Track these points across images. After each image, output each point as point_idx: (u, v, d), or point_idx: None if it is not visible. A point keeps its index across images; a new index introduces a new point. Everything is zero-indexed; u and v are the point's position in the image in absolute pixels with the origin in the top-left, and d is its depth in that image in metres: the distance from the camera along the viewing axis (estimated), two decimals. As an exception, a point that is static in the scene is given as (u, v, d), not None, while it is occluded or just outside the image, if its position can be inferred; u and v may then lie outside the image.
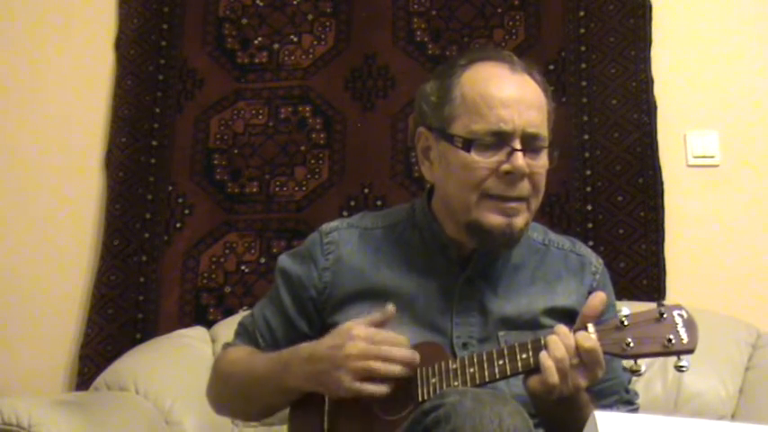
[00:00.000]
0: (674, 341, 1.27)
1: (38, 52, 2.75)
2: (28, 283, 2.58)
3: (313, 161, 2.56)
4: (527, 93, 1.45)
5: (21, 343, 2.55)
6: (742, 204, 2.38)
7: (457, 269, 1.50)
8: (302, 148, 2.57)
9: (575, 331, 1.30)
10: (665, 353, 1.28)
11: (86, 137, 2.66)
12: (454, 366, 1.34)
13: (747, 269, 2.34)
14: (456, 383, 1.33)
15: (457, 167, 1.43)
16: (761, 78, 2.46)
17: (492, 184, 1.41)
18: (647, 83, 2.45)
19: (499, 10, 2.58)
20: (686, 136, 2.44)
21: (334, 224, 1.59)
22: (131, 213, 2.56)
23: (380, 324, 1.37)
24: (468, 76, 1.46)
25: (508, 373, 1.32)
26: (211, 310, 2.48)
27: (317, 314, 1.54)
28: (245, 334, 1.61)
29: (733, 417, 2.01)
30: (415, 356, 1.35)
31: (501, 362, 1.32)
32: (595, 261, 1.58)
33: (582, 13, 2.53)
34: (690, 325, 1.28)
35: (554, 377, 1.27)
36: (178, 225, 2.55)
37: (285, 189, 2.54)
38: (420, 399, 1.34)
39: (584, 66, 2.50)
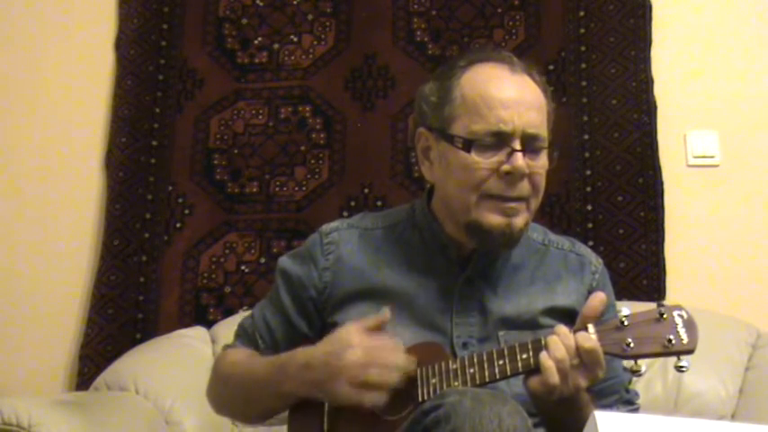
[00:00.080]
0: (674, 341, 1.27)
1: (38, 52, 2.75)
2: (28, 283, 2.58)
3: (313, 161, 2.56)
4: (527, 93, 1.45)
5: (21, 343, 2.55)
6: (742, 204, 2.38)
7: (457, 269, 1.50)
8: (302, 148, 2.57)
9: (575, 331, 1.30)
10: (666, 353, 1.28)
11: (86, 137, 2.67)
12: (454, 366, 1.35)
13: (747, 269, 2.34)
14: (456, 383, 1.33)
15: (457, 168, 1.44)
16: (761, 78, 2.46)
17: (492, 185, 1.41)
18: (647, 83, 2.45)
19: (499, 10, 2.58)
20: (686, 136, 2.44)
21: (334, 224, 1.59)
22: (131, 213, 2.56)
23: (376, 329, 1.37)
24: (467, 77, 1.46)
25: (508, 373, 1.32)
26: (211, 310, 2.48)
27: (317, 314, 1.54)
28: (244, 335, 1.61)
29: (733, 417, 2.01)
30: (411, 362, 1.35)
31: (501, 362, 1.32)
32: (595, 261, 1.59)
33: (582, 13, 2.53)
34: (690, 325, 1.29)
35: (554, 377, 1.27)
36: (178, 225, 2.55)
37: (285, 189, 2.55)
38: (420, 399, 1.34)
39: (584, 66, 2.50)
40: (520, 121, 1.41)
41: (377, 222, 1.59)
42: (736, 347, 2.10)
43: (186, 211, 2.56)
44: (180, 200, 2.57)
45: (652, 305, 1.32)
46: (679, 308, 1.31)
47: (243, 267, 2.50)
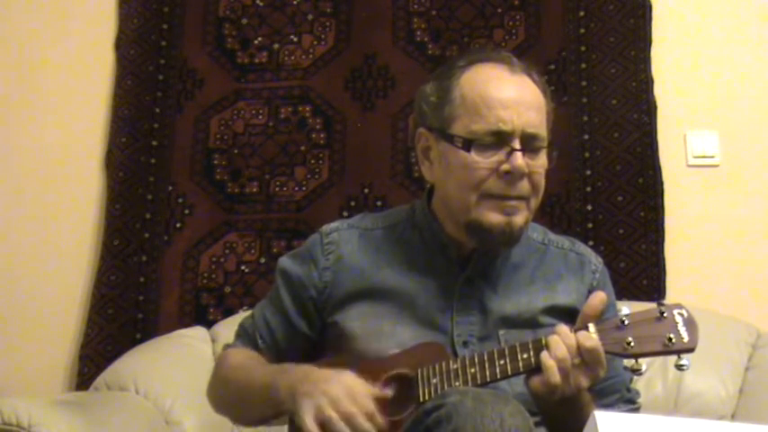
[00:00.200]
0: (674, 340, 1.27)
1: (38, 52, 2.75)
2: (28, 283, 2.58)
3: (313, 161, 2.56)
4: (526, 93, 1.45)
5: (21, 343, 2.55)
6: (742, 204, 2.38)
7: (457, 269, 1.50)
8: (302, 148, 2.57)
9: (576, 331, 1.31)
10: (666, 352, 1.28)
11: (86, 137, 2.66)
12: (455, 366, 1.35)
13: (747, 269, 2.34)
14: (457, 383, 1.33)
15: (457, 167, 1.44)
16: (761, 78, 2.46)
17: (492, 184, 1.42)
18: (647, 83, 2.45)
19: (499, 10, 2.58)
20: (686, 136, 2.44)
21: (334, 225, 1.59)
22: (131, 213, 2.56)
23: (377, 398, 1.32)
24: (467, 78, 1.47)
25: (509, 372, 1.32)
26: (211, 310, 2.48)
27: (317, 314, 1.54)
28: (245, 335, 1.61)
29: (733, 417, 2.01)
30: None
31: (502, 362, 1.32)
32: (595, 260, 1.59)
33: (582, 13, 2.53)
34: (690, 324, 1.29)
35: (556, 377, 1.27)
36: (178, 225, 2.55)
37: (285, 189, 2.55)
38: (421, 399, 1.34)
39: (584, 66, 2.50)
40: (519, 120, 1.41)
41: (377, 222, 1.59)
42: (736, 347, 2.10)
43: (186, 211, 2.56)
44: (180, 200, 2.57)
45: (652, 305, 1.32)
46: (679, 306, 1.31)
47: (243, 267, 2.50)
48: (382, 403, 1.32)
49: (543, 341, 1.30)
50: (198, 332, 2.32)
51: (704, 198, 2.40)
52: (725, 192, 2.40)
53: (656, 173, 2.39)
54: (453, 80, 1.47)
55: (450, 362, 1.36)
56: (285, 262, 1.60)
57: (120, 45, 2.70)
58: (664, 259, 2.34)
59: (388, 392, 1.36)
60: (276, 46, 2.66)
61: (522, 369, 1.31)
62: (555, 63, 2.51)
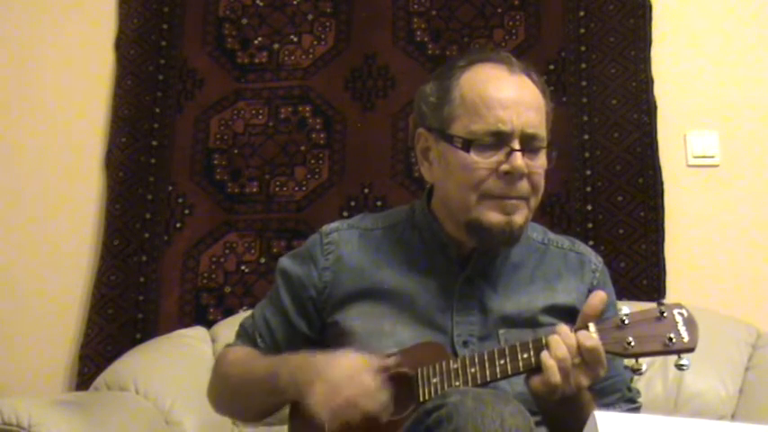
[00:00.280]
0: (674, 340, 1.27)
1: (38, 52, 2.75)
2: (28, 283, 2.58)
3: (313, 161, 2.56)
4: (525, 94, 1.45)
5: (21, 343, 2.55)
6: (742, 204, 2.38)
7: (457, 268, 1.50)
8: (302, 148, 2.57)
9: (576, 330, 1.31)
10: (666, 351, 1.28)
11: (86, 137, 2.66)
12: (455, 366, 1.35)
13: (747, 269, 2.34)
14: (457, 383, 1.33)
15: (456, 167, 1.44)
16: (761, 78, 2.46)
17: (491, 185, 1.42)
18: (647, 83, 2.45)
19: (499, 10, 2.58)
20: (686, 136, 2.44)
21: (334, 225, 1.59)
22: (131, 213, 2.56)
23: (384, 369, 1.34)
24: (467, 78, 1.47)
25: (509, 372, 1.32)
26: (211, 310, 2.48)
27: (317, 314, 1.54)
28: (245, 335, 1.62)
29: (733, 417, 2.01)
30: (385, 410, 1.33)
31: (502, 361, 1.32)
32: (595, 259, 1.59)
33: (582, 13, 2.53)
34: (690, 323, 1.29)
35: (556, 377, 1.27)
36: (178, 225, 2.55)
37: (285, 189, 2.55)
38: (421, 399, 1.34)
39: (584, 66, 2.50)
40: (518, 120, 1.41)
41: (377, 223, 1.59)
42: (736, 347, 2.10)
43: (186, 211, 2.56)
44: (180, 200, 2.57)
45: (652, 305, 1.32)
46: (679, 306, 1.31)
47: (243, 267, 2.50)
48: (387, 370, 1.34)
49: (543, 341, 1.30)
50: (198, 332, 2.33)
51: (704, 198, 2.40)
52: (725, 192, 2.40)
53: (656, 173, 2.39)
54: (453, 80, 1.47)
55: (451, 361, 1.36)
56: (285, 262, 1.60)
57: (120, 45, 2.70)
58: (664, 259, 2.34)
59: (391, 361, 1.36)
60: (276, 46, 2.66)
61: (522, 369, 1.31)
62: (555, 63, 2.51)
